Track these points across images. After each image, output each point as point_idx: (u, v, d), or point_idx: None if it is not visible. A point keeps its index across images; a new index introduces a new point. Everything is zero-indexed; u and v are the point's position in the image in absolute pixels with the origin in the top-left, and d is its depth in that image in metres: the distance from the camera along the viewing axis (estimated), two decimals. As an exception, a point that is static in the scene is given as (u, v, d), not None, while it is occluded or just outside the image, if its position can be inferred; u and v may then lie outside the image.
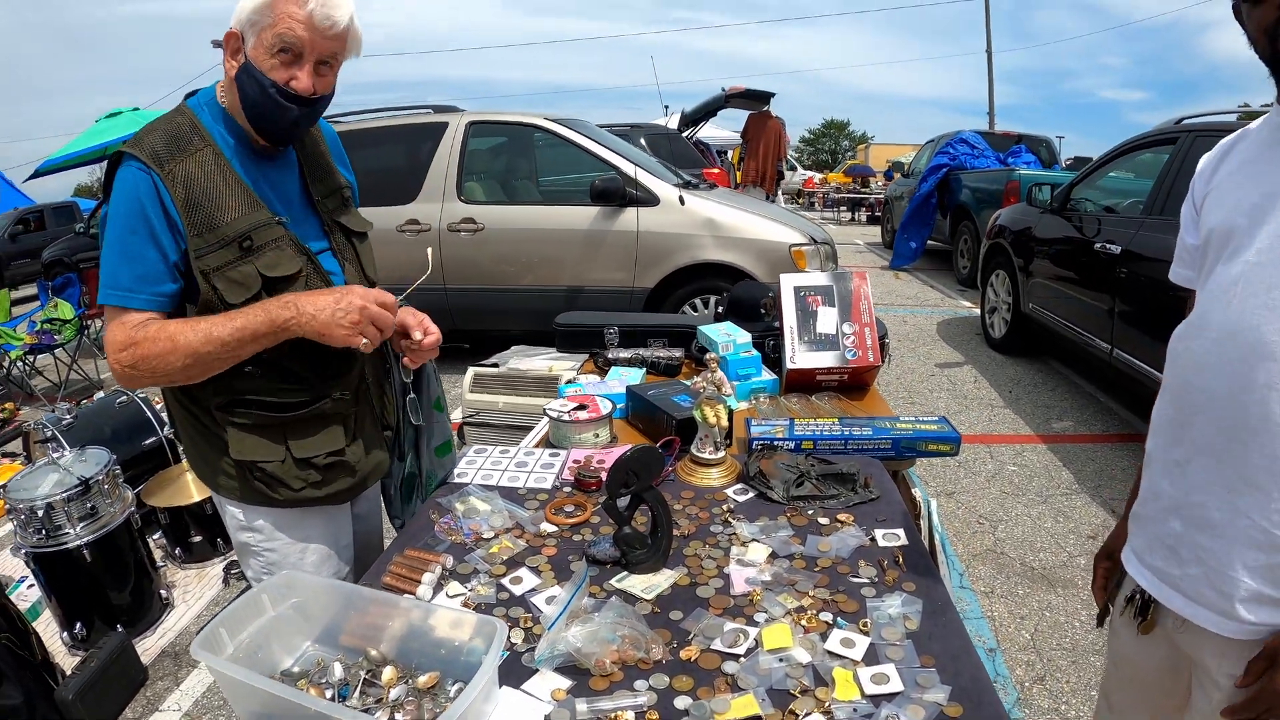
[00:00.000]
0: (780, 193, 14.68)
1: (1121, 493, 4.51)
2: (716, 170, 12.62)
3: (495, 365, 4.89)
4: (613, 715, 1.25)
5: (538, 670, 1.36)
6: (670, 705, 1.28)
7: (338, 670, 1.35)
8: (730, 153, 17.56)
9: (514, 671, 1.37)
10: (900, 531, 1.82)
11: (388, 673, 1.33)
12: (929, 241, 12.07)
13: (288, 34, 1.56)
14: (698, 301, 6.08)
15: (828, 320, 2.77)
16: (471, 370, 4.76)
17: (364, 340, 1.63)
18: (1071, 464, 4.92)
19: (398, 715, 1.26)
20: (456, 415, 5.42)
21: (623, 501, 1.64)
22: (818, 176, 26.91)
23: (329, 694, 1.31)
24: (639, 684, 1.33)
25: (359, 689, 1.32)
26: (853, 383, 2.79)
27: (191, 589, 3.85)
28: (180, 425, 1.86)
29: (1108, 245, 5.18)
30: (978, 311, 8.17)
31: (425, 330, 1.89)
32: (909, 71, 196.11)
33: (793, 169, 25.34)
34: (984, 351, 7.38)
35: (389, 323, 1.67)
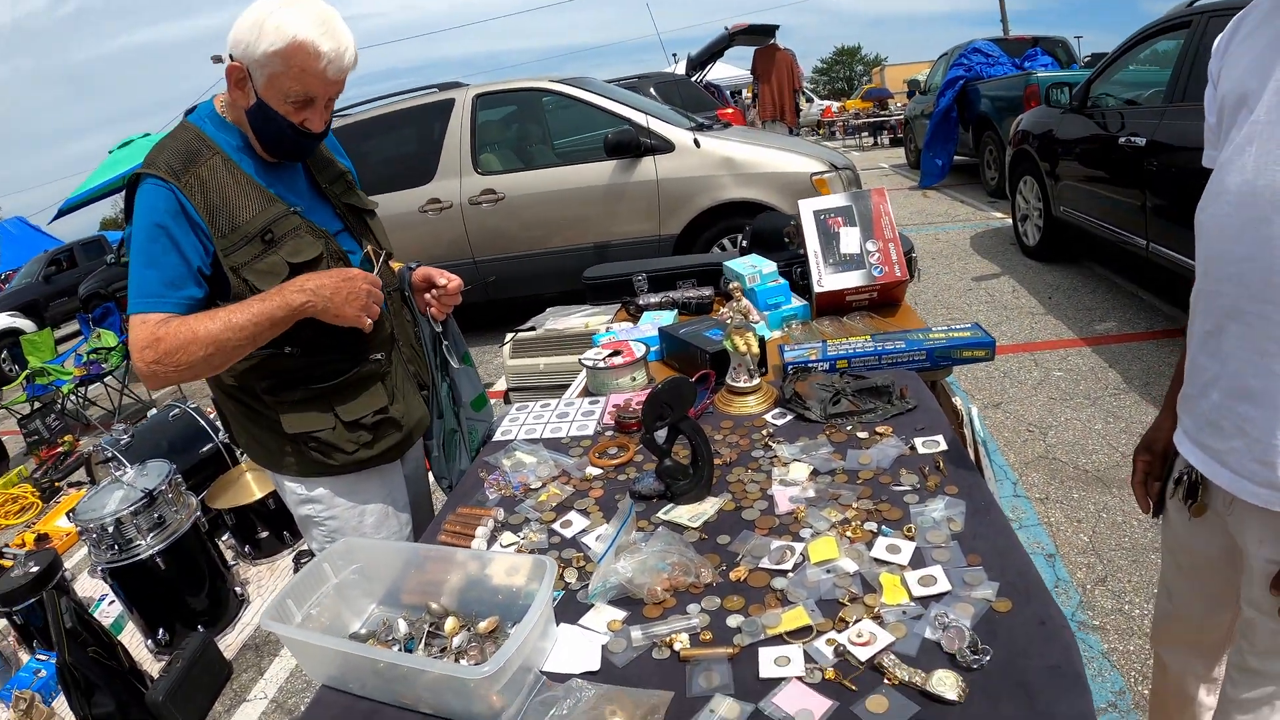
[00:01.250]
0: (801, 124, 14.49)
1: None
2: (730, 110, 12.46)
3: (532, 329, 4.92)
4: (667, 638, 1.28)
5: (593, 605, 1.40)
6: (723, 624, 1.32)
7: (402, 626, 1.41)
8: (744, 91, 17.33)
9: (571, 609, 1.41)
10: (939, 438, 1.82)
11: (450, 623, 1.38)
12: (955, 156, 11.84)
13: (305, 91, 1.68)
14: (726, 241, 6.05)
15: (851, 240, 2.76)
16: (509, 336, 4.79)
17: (369, 320, 1.77)
18: (1118, 364, 4.86)
19: (462, 660, 1.30)
20: (501, 384, 5.48)
21: (661, 435, 1.66)
22: (835, 105, 26.50)
23: (396, 649, 1.36)
24: (691, 607, 1.36)
25: (424, 641, 1.37)
26: (883, 300, 2.79)
27: (265, 583, 3.98)
28: (234, 420, 1.96)
29: (1132, 138, 5.06)
30: (1009, 222, 8.03)
31: (447, 276, 2.07)
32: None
33: (810, 100, 24.99)
34: (1020, 260, 7.27)
35: (381, 300, 1.82)
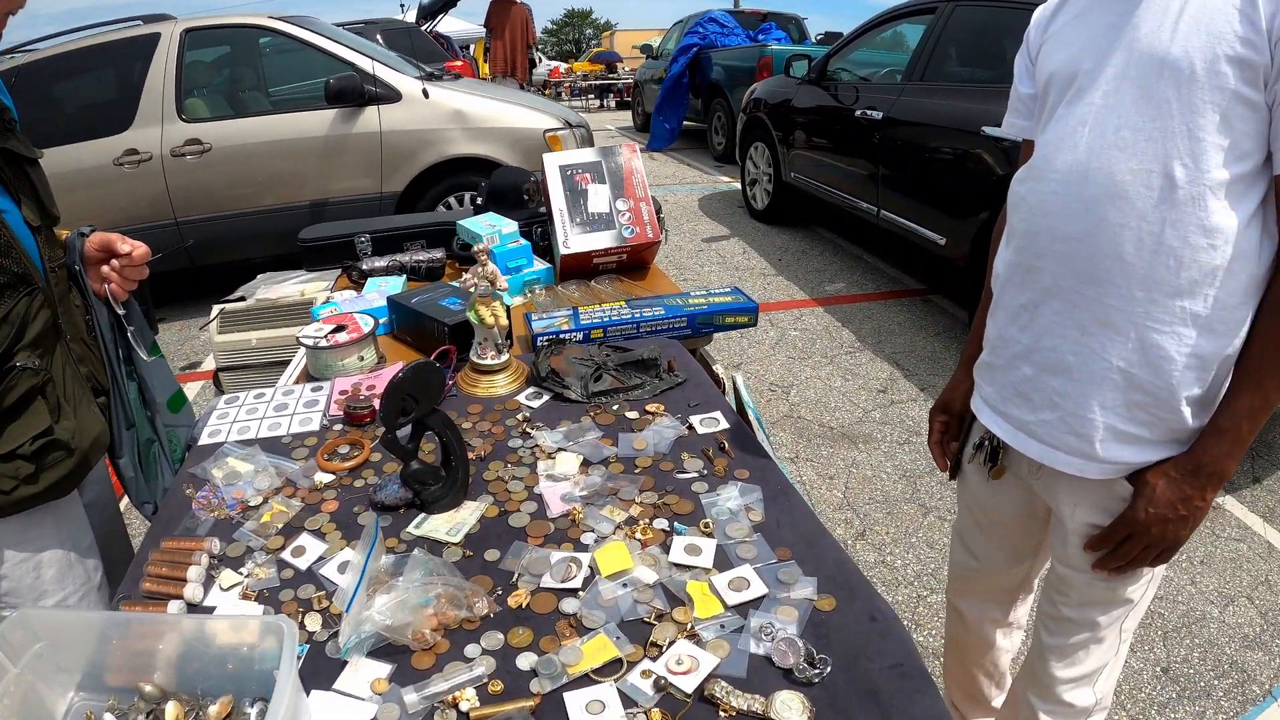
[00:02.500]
0: (532, 83, 14.25)
1: (902, 346, 4.65)
2: (460, 63, 11.98)
3: (242, 298, 4.38)
4: (449, 697, 1.02)
5: (348, 662, 1.11)
6: (513, 667, 1.08)
7: None
8: (473, 46, 16.83)
9: (321, 669, 1.10)
10: (718, 415, 1.66)
11: (171, 710, 1.03)
12: (684, 121, 12.03)
13: None
14: (452, 200, 5.69)
15: (600, 198, 2.54)
16: (216, 309, 4.24)
17: None
18: (850, 323, 5.02)
19: None
20: (209, 363, 4.88)
21: (404, 433, 1.36)
22: (563, 66, 26.40)
23: None
24: (470, 649, 1.11)
25: None
26: (632, 262, 2.61)
27: None
28: None
29: (869, 112, 5.24)
30: (737, 185, 8.21)
31: (130, 243, 1.61)
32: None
33: (536, 62, 24.77)
34: (748, 223, 7.42)
35: None
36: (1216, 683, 2.35)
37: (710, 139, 11.19)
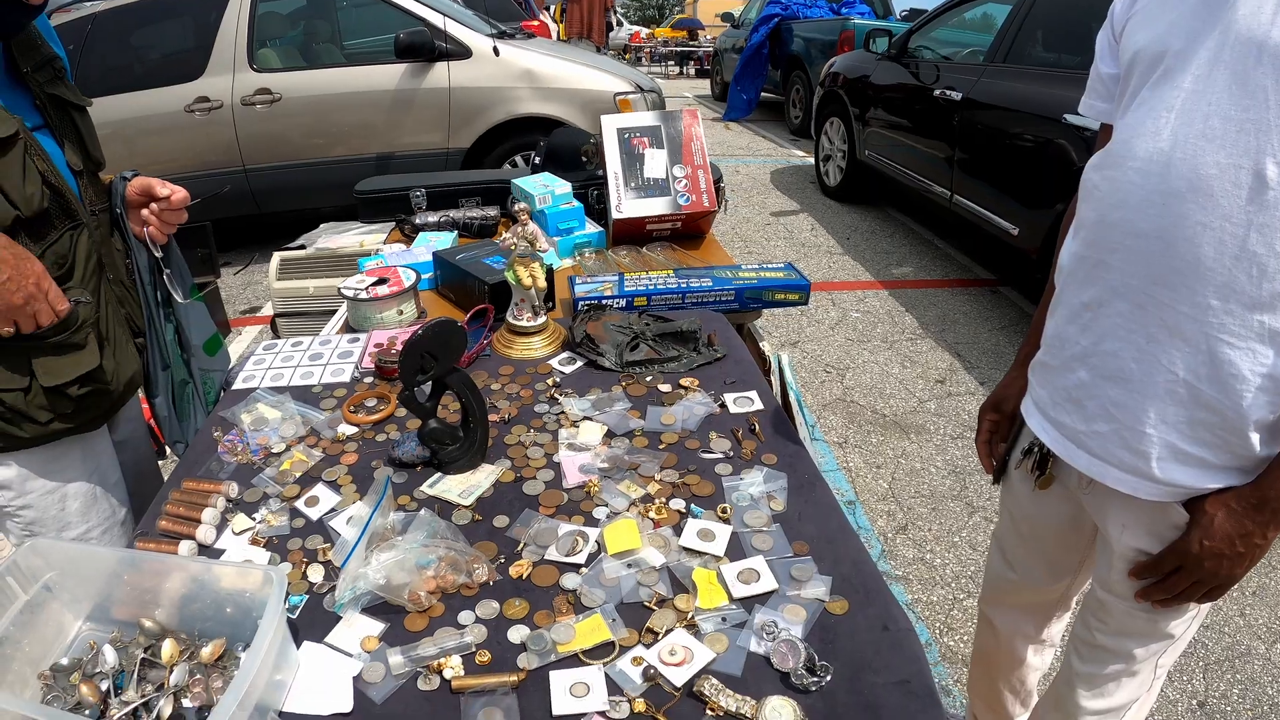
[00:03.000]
0: (609, 47, 14.17)
1: (965, 337, 4.52)
2: (536, 23, 11.93)
3: (302, 246, 4.41)
4: (435, 663, 1.00)
5: (341, 617, 1.09)
6: (504, 639, 1.05)
7: (110, 656, 1.05)
8: (553, 7, 16.78)
9: (316, 621, 1.10)
10: (753, 394, 1.60)
11: (167, 649, 1.04)
12: (762, 93, 11.85)
13: None
14: (518, 159, 5.67)
15: (656, 164, 2.48)
16: (276, 256, 4.28)
17: (9, 329, 1.34)
18: (914, 309, 4.89)
19: (185, 700, 0.99)
20: (267, 309, 4.93)
21: (424, 391, 1.33)
22: (644, 31, 26.22)
23: (104, 686, 1.02)
24: (464, 616, 1.09)
25: (135, 674, 1.02)
26: (687, 231, 2.54)
27: None
28: None
29: (948, 92, 5.08)
30: (811, 160, 8.06)
31: (170, 187, 1.62)
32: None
33: (619, 24, 24.60)
34: (819, 200, 7.27)
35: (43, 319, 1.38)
36: (1255, 722, 2.24)
37: (787, 112, 10.98)
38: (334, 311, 4.20)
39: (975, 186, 4.81)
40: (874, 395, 3.90)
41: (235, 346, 4.48)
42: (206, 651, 1.03)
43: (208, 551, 1.23)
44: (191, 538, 1.24)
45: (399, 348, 1.74)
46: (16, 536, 1.56)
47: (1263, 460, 1.12)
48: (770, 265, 2.15)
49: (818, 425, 3.61)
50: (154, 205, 1.63)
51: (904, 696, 0.96)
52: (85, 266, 1.48)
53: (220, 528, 1.28)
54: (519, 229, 1.67)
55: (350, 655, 1.03)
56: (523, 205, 1.69)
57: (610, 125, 2.50)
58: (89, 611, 1.13)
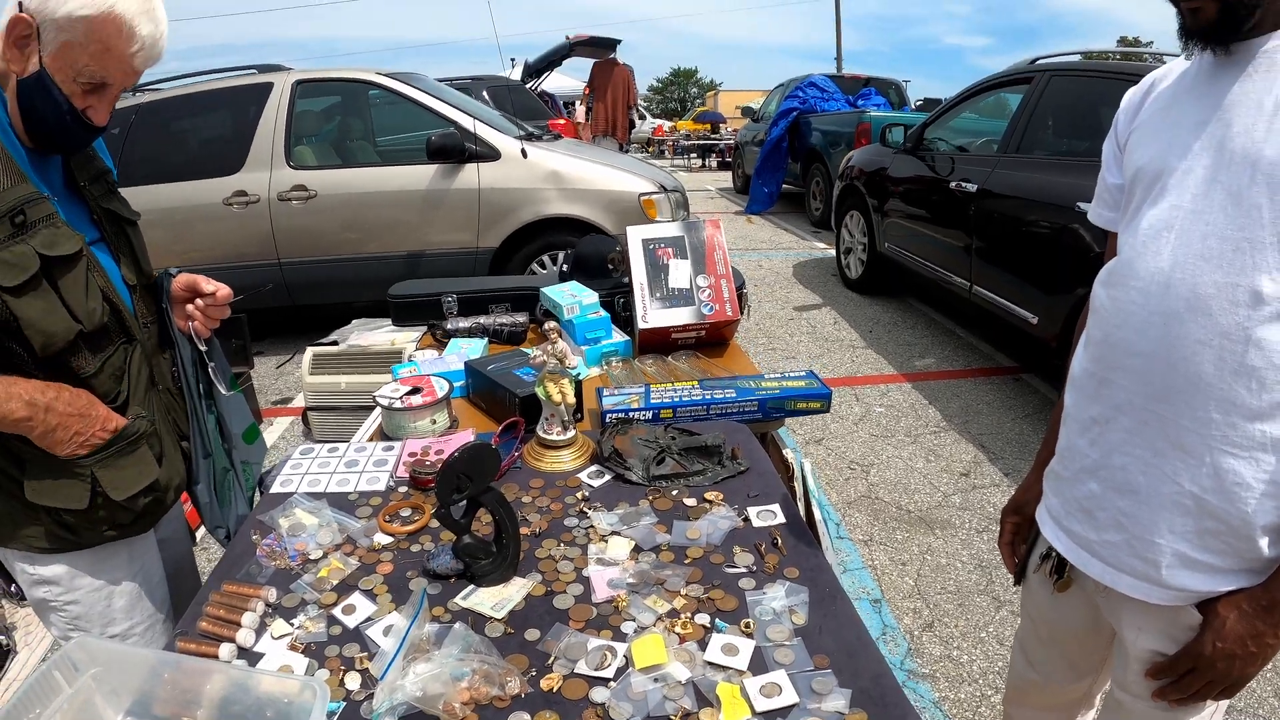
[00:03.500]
0: (632, 140, 14.50)
1: (989, 427, 4.54)
2: (563, 121, 12.28)
3: (335, 343, 4.53)
4: None
5: None
6: None
7: None
8: (578, 103, 17.25)
9: None
10: (776, 508, 1.65)
11: None
12: (783, 185, 12.08)
13: (107, 75, 1.39)
14: (546, 259, 5.81)
15: (680, 274, 2.57)
16: (310, 350, 4.39)
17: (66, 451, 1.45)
18: (937, 401, 4.93)
19: None
20: (299, 401, 5.04)
21: (459, 509, 1.40)
22: (667, 124, 26.81)
23: None
24: None
25: None
26: (711, 339, 2.61)
27: (34, 629, 3.38)
28: None
29: (964, 184, 5.20)
30: (832, 252, 8.18)
31: (214, 284, 1.72)
32: (756, 18, 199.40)
33: (642, 118, 25.17)
34: (841, 292, 7.37)
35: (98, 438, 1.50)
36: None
37: (808, 204, 11.19)
38: (364, 407, 4.31)
39: (994, 276, 4.88)
40: (899, 491, 3.92)
41: (267, 436, 4.56)
42: None
43: (248, 654, 1.28)
44: (232, 640, 1.29)
45: (433, 457, 1.81)
46: (60, 630, 1.63)
47: (1271, 561, 1.15)
48: (792, 375, 2.22)
49: (843, 523, 3.62)
50: (199, 301, 1.71)
51: None
52: (138, 380, 1.57)
53: (259, 631, 1.33)
54: (549, 347, 1.75)
55: None
56: (553, 325, 1.77)
57: (635, 236, 2.60)
58: (129, 706, 1.18)
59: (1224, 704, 1.32)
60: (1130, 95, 1.35)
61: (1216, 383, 1.09)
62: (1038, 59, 5.29)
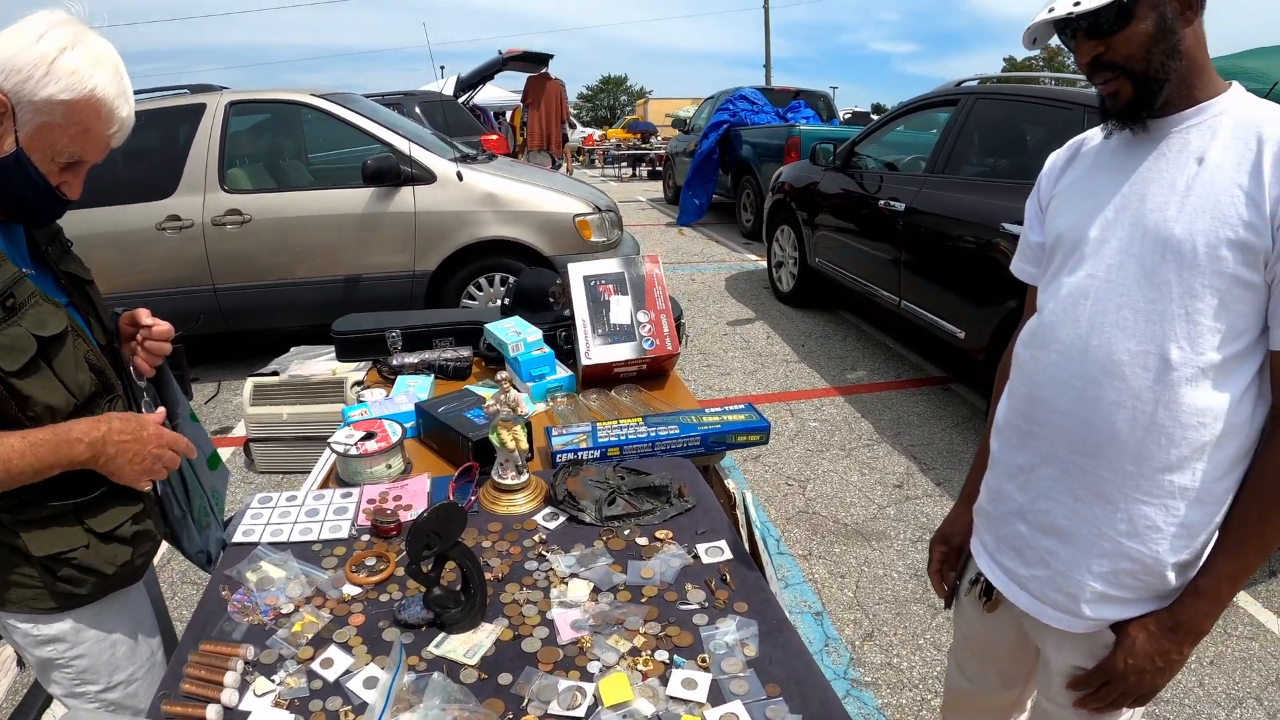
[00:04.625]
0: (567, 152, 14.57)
1: (920, 439, 4.72)
2: (495, 137, 12.32)
3: (275, 373, 4.54)
4: None
5: None
6: None
7: None
8: (510, 114, 17.25)
9: None
10: (723, 544, 1.75)
11: None
12: (713, 197, 12.24)
13: (84, 154, 1.43)
14: (483, 280, 5.85)
15: (621, 310, 2.66)
16: (250, 381, 4.40)
17: (147, 484, 1.53)
18: (869, 414, 5.09)
19: None
20: (240, 429, 5.01)
21: (427, 563, 1.47)
22: (597, 134, 26.88)
23: None
24: None
25: None
26: (652, 371, 2.70)
27: None
28: None
29: (892, 202, 5.37)
30: (764, 264, 8.33)
31: (153, 319, 1.73)
32: (687, 25, 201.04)
33: (574, 128, 25.22)
34: (774, 305, 7.53)
35: (173, 465, 1.58)
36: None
37: (739, 215, 11.38)
38: (307, 439, 4.33)
39: (922, 292, 5.05)
40: (835, 505, 4.05)
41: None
42: None
43: (233, 714, 1.32)
44: (217, 701, 1.32)
45: (391, 504, 1.88)
46: (64, 688, 1.65)
47: (1176, 590, 1.30)
48: (731, 409, 2.32)
49: (782, 539, 3.74)
50: (140, 334, 1.72)
51: None
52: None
53: (242, 690, 1.37)
54: (502, 395, 1.83)
55: None
56: (505, 375, 1.85)
57: (577, 273, 2.69)
58: None
59: (1139, 710, 1.45)
60: (1054, 159, 1.48)
61: (1130, 439, 1.23)
62: (963, 81, 5.50)
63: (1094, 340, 1.25)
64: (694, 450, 2.17)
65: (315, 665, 1.43)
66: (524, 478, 1.90)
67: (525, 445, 1.86)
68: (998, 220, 4.20)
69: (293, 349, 5.00)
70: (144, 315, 1.72)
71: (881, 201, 5.49)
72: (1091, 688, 1.38)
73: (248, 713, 1.33)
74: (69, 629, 1.59)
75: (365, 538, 1.81)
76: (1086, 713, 1.42)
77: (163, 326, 1.73)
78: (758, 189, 10.31)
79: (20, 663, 3.13)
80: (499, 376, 1.85)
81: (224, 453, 4.81)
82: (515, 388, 1.86)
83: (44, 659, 1.62)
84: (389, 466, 2.07)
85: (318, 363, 4.58)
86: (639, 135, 23.15)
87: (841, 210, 6.28)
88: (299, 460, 4.41)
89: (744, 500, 2.29)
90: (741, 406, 2.33)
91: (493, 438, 1.85)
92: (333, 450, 2.09)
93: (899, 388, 5.52)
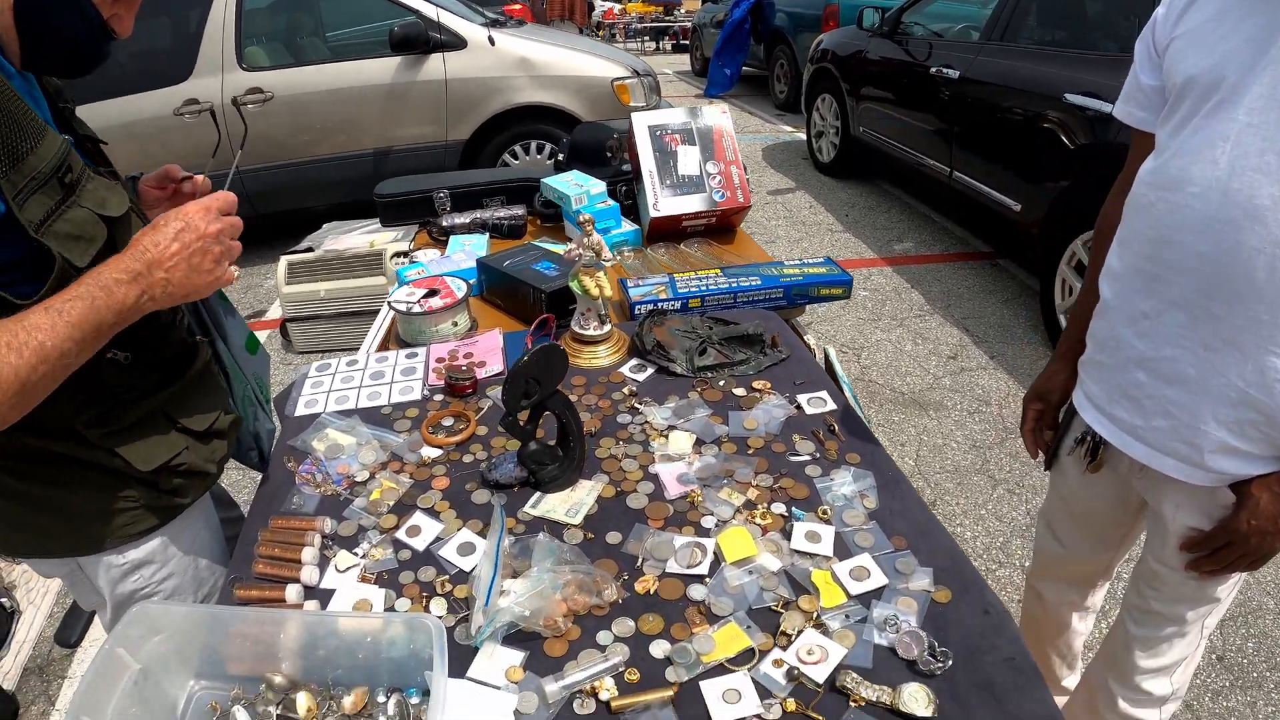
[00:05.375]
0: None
1: (971, 311, 4.57)
2: (518, 6, 11.85)
3: (310, 249, 4.39)
4: (589, 687, 1.03)
5: (477, 649, 1.10)
6: (647, 655, 1.09)
7: (242, 718, 1.03)
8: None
9: (450, 657, 1.06)
10: (824, 394, 1.64)
11: (303, 702, 1.03)
12: (743, 67, 11.80)
13: None
14: (518, 149, 5.64)
15: (689, 161, 2.49)
16: (284, 260, 4.26)
17: (235, 271, 1.20)
18: (919, 285, 4.94)
19: None
20: (274, 311, 4.91)
21: (523, 415, 1.35)
22: (618, 7, 26.02)
23: None
24: (601, 636, 1.11)
25: None
26: (720, 225, 2.56)
27: (35, 585, 3.25)
28: (14, 498, 1.26)
29: (945, 70, 5.08)
30: (800, 136, 8.06)
31: (192, 176, 1.46)
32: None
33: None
34: (814, 176, 7.29)
35: (240, 227, 1.21)
36: (1269, 674, 2.34)
37: (772, 87, 10.95)
38: (348, 314, 4.22)
39: (975, 163, 4.83)
40: (891, 374, 3.95)
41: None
42: (349, 702, 1.03)
43: (315, 593, 1.22)
44: (296, 580, 1.21)
45: (463, 360, 1.76)
46: None
47: None
48: (810, 261, 2.18)
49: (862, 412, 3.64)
50: (184, 185, 1.46)
51: (1012, 673, 1.04)
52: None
53: (322, 566, 1.26)
54: (583, 239, 1.68)
55: (498, 688, 1.04)
56: (588, 215, 1.70)
57: (641, 123, 2.51)
58: (198, 669, 1.10)
59: (1243, 576, 1.42)
60: (1170, 1, 1.36)
61: (1268, 287, 1.14)
62: None
63: (1234, 184, 1.15)
64: (776, 303, 2.05)
65: (401, 534, 1.32)
66: (607, 328, 1.77)
67: (609, 292, 1.72)
68: (1059, 90, 3.94)
69: (325, 225, 4.85)
70: (178, 171, 1.45)
71: (934, 69, 5.15)
72: (1208, 549, 1.34)
73: (331, 590, 1.22)
74: (158, 547, 1.37)
75: (439, 398, 1.70)
76: (1197, 576, 1.38)
77: (203, 179, 1.48)
78: (793, 59, 9.85)
79: (71, 613, 2.96)
80: (580, 218, 1.70)
81: (260, 335, 4.72)
82: (604, 245, 1.70)
83: (127, 592, 1.38)
84: (455, 324, 1.95)
85: (354, 236, 4.43)
86: (661, 8, 22.32)
87: (889, 78, 5.96)
88: (339, 338, 4.31)
89: (828, 355, 2.16)
90: (820, 260, 2.19)
91: (573, 285, 1.71)
92: (393, 309, 1.96)
93: (947, 260, 5.32)
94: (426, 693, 1.02)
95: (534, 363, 1.28)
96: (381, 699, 1.04)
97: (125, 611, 1.19)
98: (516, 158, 5.66)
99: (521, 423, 1.33)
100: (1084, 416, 1.47)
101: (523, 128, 5.58)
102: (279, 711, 1.02)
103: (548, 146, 5.55)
